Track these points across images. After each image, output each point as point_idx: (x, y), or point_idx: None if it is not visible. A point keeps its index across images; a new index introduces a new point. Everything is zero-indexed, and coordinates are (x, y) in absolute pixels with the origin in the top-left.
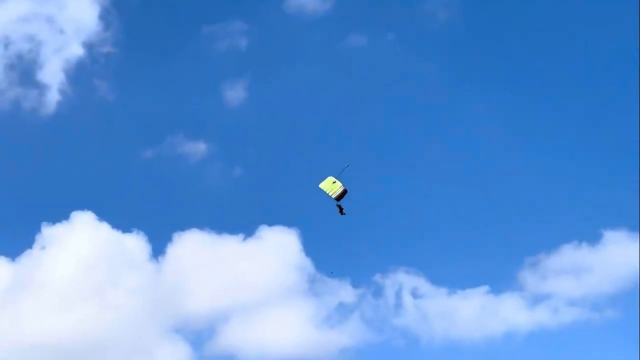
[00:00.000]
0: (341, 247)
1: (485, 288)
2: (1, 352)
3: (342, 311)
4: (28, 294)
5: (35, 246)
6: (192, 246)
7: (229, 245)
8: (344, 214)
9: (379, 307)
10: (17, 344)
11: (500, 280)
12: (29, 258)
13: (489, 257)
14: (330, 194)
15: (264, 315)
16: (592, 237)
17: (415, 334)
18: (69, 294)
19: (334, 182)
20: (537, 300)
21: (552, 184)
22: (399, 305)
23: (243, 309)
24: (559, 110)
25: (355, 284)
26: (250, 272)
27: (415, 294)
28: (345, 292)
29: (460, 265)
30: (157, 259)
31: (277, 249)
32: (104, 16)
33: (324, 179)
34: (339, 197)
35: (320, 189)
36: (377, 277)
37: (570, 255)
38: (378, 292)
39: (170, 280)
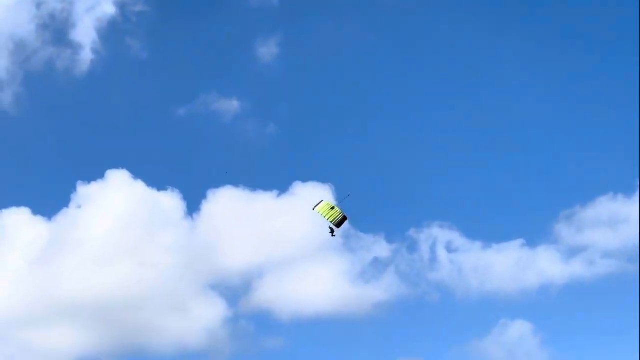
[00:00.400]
0: (375, 203)
1: (521, 241)
2: (40, 310)
3: (377, 266)
4: (65, 253)
5: (72, 205)
6: (226, 203)
7: (263, 202)
8: (334, 236)
9: (414, 261)
10: (55, 302)
11: (536, 233)
12: (65, 217)
13: (524, 211)
14: (328, 219)
15: (299, 272)
16: (628, 188)
17: (450, 288)
18: (105, 252)
19: (333, 208)
20: (572, 252)
21: (586, 135)
22: (433, 259)
23: (278, 265)
24: (598, 63)
25: (389, 239)
26: (285, 228)
27: (449, 248)
28: (380, 248)
29: (495, 219)
30: (192, 217)
31: (311, 205)
32: None
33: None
34: (339, 224)
35: (316, 212)
36: (412, 232)
37: (605, 206)
38: (412, 246)
39: (205, 237)
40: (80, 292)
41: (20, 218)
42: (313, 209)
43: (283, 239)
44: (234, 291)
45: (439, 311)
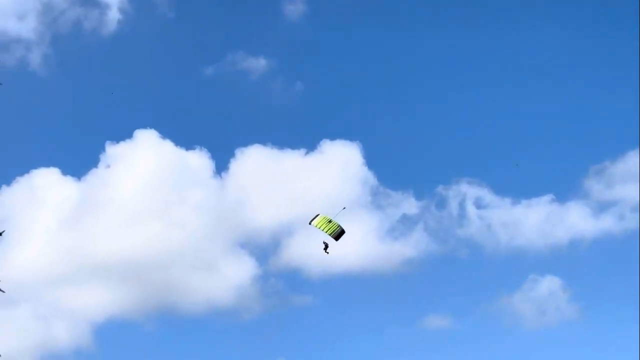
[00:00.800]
0: (404, 160)
1: (550, 197)
2: (70, 270)
3: (406, 223)
4: (94, 213)
5: (100, 165)
6: (254, 162)
7: (291, 160)
8: (328, 252)
9: (443, 218)
10: (85, 262)
11: (565, 188)
12: (94, 177)
13: (554, 166)
14: (327, 232)
15: None
16: None
17: (479, 244)
18: (134, 211)
19: (330, 222)
20: (602, 207)
21: (616, 89)
22: (462, 216)
23: (306, 223)
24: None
25: (418, 196)
26: (313, 186)
27: (478, 205)
28: (409, 204)
29: (524, 175)
30: (220, 176)
31: (340, 163)
32: None
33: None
34: (337, 237)
35: (312, 226)
36: (440, 189)
37: (635, 161)
38: (441, 203)
39: (233, 196)
40: (110, 252)
41: (49, 178)
42: (309, 223)
43: (311, 196)
44: (263, 249)
45: (468, 267)
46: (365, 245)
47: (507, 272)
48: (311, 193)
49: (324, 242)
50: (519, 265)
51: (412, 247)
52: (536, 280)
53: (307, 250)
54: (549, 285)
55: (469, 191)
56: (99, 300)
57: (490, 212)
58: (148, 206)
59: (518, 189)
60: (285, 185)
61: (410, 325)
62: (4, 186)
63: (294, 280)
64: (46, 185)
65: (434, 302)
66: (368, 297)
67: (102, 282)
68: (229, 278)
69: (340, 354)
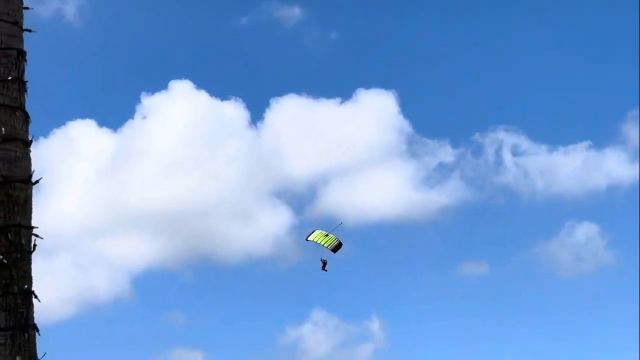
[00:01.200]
0: (440, 108)
1: (587, 143)
2: (108, 220)
3: (442, 171)
4: (131, 164)
5: (136, 116)
6: (289, 111)
7: (326, 109)
8: (326, 270)
9: (479, 165)
10: (122, 212)
11: (603, 134)
12: (130, 128)
13: (591, 112)
14: (325, 246)
15: (363, 178)
16: None
17: (515, 191)
18: (170, 162)
19: (327, 235)
20: None
21: None
22: (499, 163)
23: (342, 173)
24: None
25: (454, 144)
26: (348, 135)
27: (515, 152)
28: (445, 152)
29: (561, 122)
30: (255, 125)
31: (375, 112)
32: None
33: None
34: (335, 249)
35: (309, 240)
36: (477, 136)
37: None
38: (478, 151)
39: (269, 146)
40: (147, 203)
41: (86, 130)
42: (306, 239)
43: (347, 146)
44: (299, 199)
45: (505, 215)
46: (400, 194)
47: (544, 219)
48: (346, 142)
49: (322, 261)
50: (556, 212)
51: (448, 195)
52: (573, 227)
53: (342, 200)
54: (586, 232)
55: (505, 138)
56: (137, 251)
57: (527, 159)
58: (184, 157)
59: (555, 135)
60: (321, 134)
61: (446, 273)
62: (41, 138)
63: (330, 229)
64: (83, 136)
65: (470, 249)
66: (404, 246)
67: (140, 232)
68: (266, 228)
69: (376, 302)
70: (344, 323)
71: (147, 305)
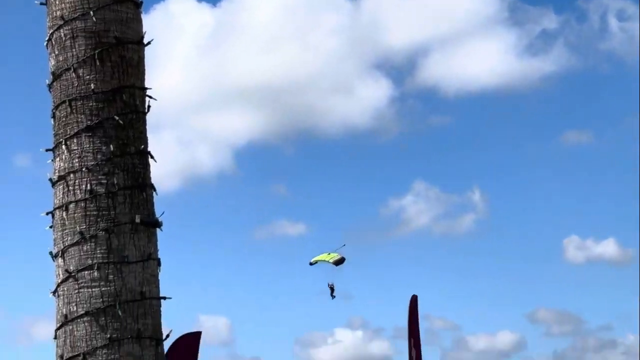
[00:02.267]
0: None
1: None
2: (210, 96)
3: (545, 39)
4: (231, 38)
5: None
6: None
7: None
8: (334, 296)
9: (583, 32)
10: (224, 87)
11: None
12: (229, 3)
13: None
14: (328, 261)
15: (464, 48)
16: None
17: (621, 58)
18: (270, 36)
19: (329, 254)
20: None
21: None
22: (604, 29)
23: (443, 43)
24: None
25: (557, 10)
26: (449, 4)
27: (621, 17)
28: (548, 19)
29: None
30: None
31: None
32: None
33: None
34: (337, 263)
35: (313, 264)
36: (581, 2)
37: None
38: (582, 17)
39: (368, 17)
40: (248, 77)
41: (186, 6)
42: (310, 264)
43: (447, 15)
44: (399, 70)
45: (610, 82)
46: (502, 63)
47: None
48: (447, 11)
49: (329, 287)
50: None
51: (551, 63)
52: None
53: (442, 70)
54: None
55: (610, 3)
56: (239, 125)
57: (634, 25)
58: (283, 30)
59: None
60: (421, 4)
61: (549, 142)
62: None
63: (431, 100)
64: (183, 12)
65: (574, 118)
66: (506, 115)
67: (241, 107)
68: (365, 100)
69: (477, 172)
70: (445, 194)
71: (249, 178)
